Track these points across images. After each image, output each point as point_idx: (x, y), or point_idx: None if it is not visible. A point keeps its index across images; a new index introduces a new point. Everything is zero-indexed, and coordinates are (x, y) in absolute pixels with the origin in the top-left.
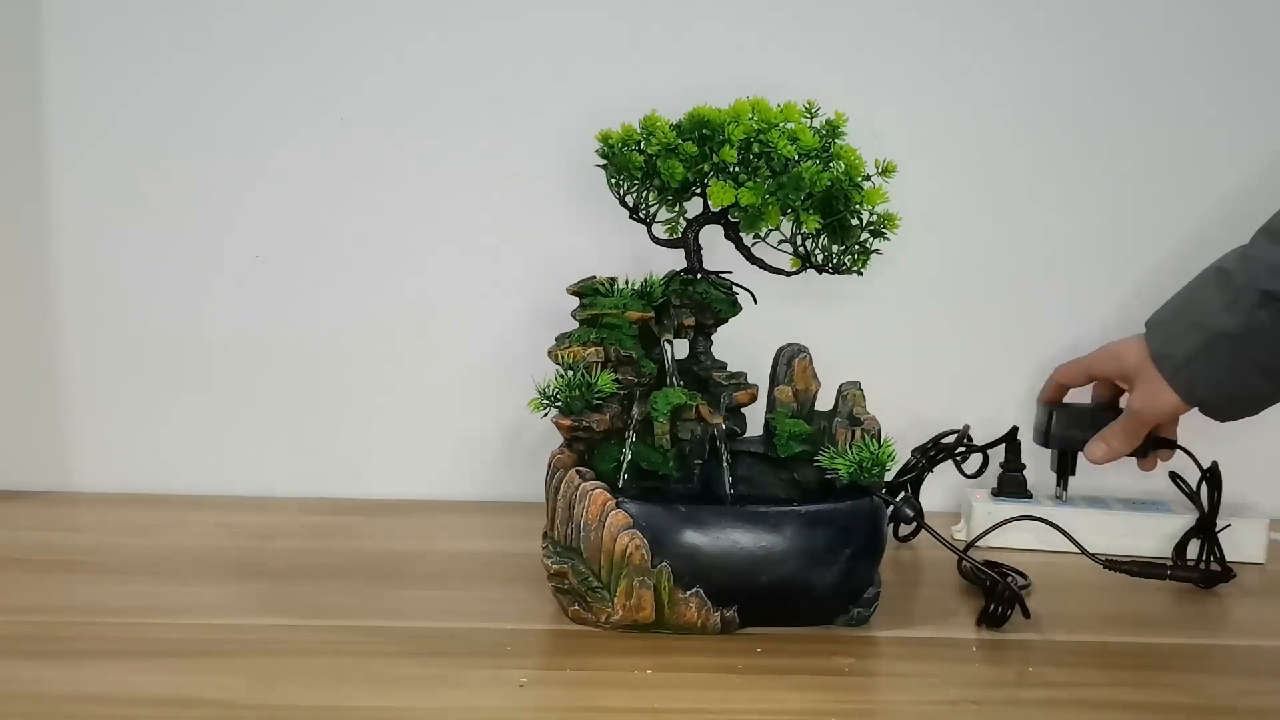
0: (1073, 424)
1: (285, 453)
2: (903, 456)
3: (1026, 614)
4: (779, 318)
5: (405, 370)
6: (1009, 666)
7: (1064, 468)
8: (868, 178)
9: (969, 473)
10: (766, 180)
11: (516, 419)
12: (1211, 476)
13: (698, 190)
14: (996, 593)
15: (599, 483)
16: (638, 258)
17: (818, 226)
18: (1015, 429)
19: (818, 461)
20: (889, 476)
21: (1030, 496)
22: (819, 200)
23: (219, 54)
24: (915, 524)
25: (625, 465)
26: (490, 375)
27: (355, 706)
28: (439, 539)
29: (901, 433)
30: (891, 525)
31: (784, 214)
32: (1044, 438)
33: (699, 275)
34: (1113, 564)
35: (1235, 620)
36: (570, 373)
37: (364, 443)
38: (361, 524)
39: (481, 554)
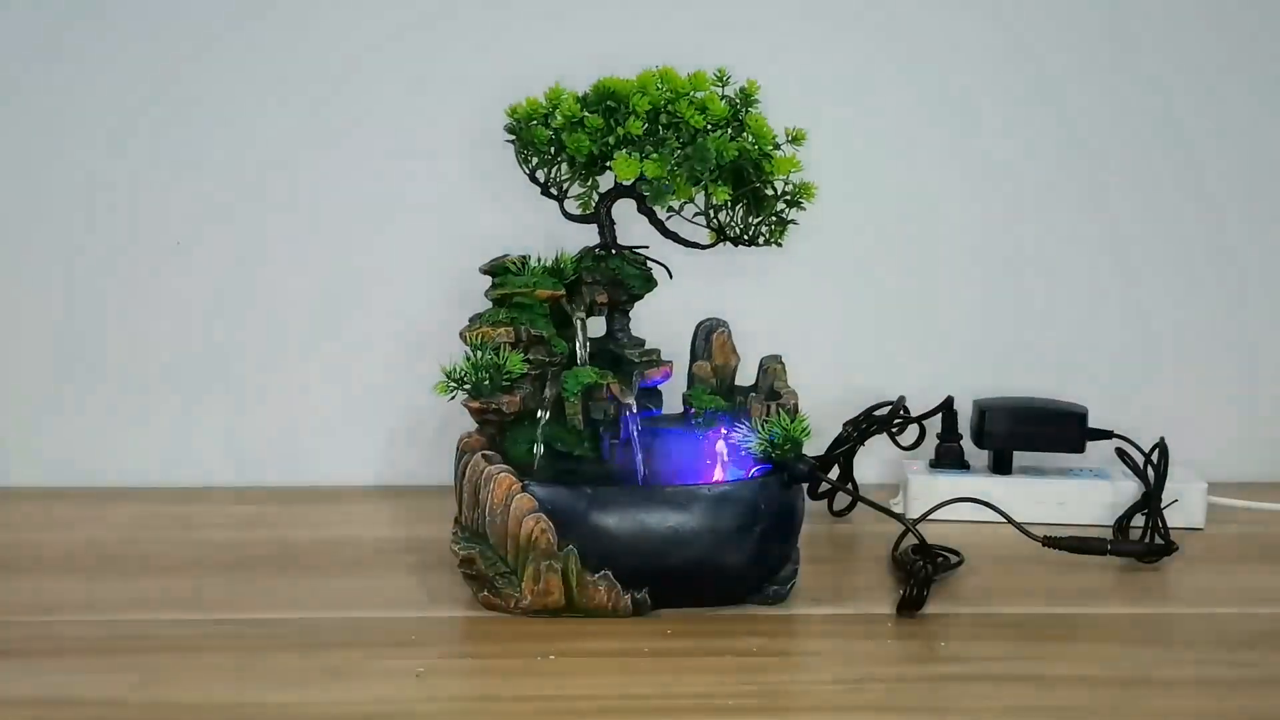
0: (1008, 421)
1: (217, 441)
2: (835, 429)
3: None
4: (705, 292)
5: (337, 354)
6: (921, 642)
7: (1000, 469)
8: (777, 146)
9: (905, 445)
10: (674, 151)
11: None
12: (1159, 452)
13: (607, 164)
14: (914, 573)
15: (504, 466)
16: (572, 235)
17: (727, 198)
18: (950, 399)
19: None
20: (819, 451)
21: (968, 467)
22: (729, 171)
23: (124, 27)
24: (809, 481)
25: (538, 447)
26: (424, 358)
27: (245, 703)
28: (368, 526)
29: (838, 404)
30: (826, 500)
31: (694, 186)
32: (978, 438)
33: (612, 251)
34: (1051, 541)
35: (1166, 589)
36: (478, 354)
37: (298, 429)
38: (291, 513)
39: (408, 540)
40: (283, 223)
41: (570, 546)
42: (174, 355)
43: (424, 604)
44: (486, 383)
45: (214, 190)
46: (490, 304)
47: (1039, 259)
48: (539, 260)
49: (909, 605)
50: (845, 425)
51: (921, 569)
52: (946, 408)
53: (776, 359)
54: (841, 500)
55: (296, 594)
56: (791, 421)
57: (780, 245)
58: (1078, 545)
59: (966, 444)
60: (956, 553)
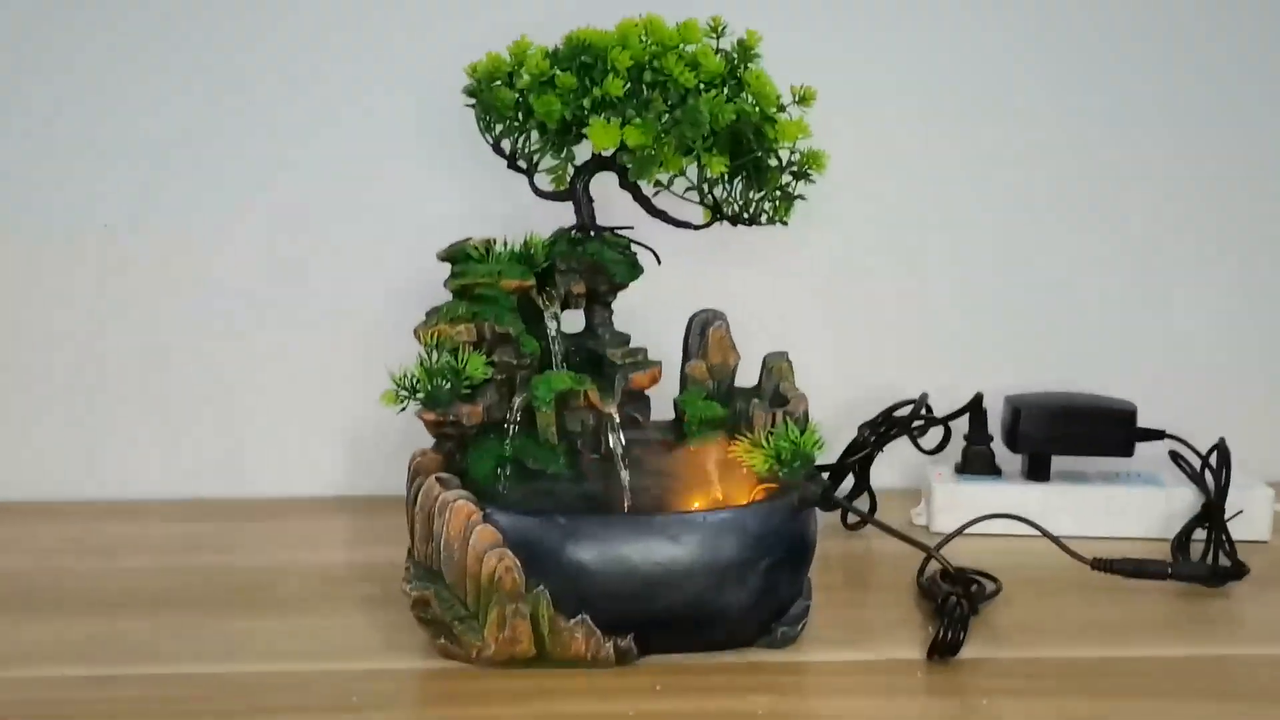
0: (1045, 421)
1: (157, 450)
2: (849, 433)
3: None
4: (699, 280)
5: (287, 353)
6: (960, 700)
7: (1036, 475)
8: (782, 108)
9: (928, 448)
10: (662, 116)
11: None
12: (1219, 454)
13: (583, 131)
14: (948, 612)
15: (462, 492)
16: (544, 215)
17: (724, 169)
18: (979, 396)
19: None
20: (833, 457)
21: (999, 474)
22: (725, 138)
23: (66, 17)
24: (824, 505)
25: (507, 465)
26: (387, 353)
27: None
28: (317, 548)
29: (852, 405)
30: (841, 515)
31: (685, 156)
32: (1011, 440)
33: (591, 233)
34: (1102, 564)
35: (1240, 623)
36: (434, 356)
37: (245, 434)
38: (232, 533)
39: (362, 567)
40: (227, 207)
41: (540, 587)
42: (106, 354)
43: (373, 651)
44: (444, 390)
45: (148, 180)
46: (450, 296)
47: (1079, 237)
48: (505, 245)
49: (943, 650)
50: (861, 428)
51: (956, 607)
52: (975, 406)
53: (782, 356)
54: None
55: (224, 640)
56: (801, 433)
57: (785, 224)
58: (1134, 569)
59: (997, 447)
60: (992, 578)
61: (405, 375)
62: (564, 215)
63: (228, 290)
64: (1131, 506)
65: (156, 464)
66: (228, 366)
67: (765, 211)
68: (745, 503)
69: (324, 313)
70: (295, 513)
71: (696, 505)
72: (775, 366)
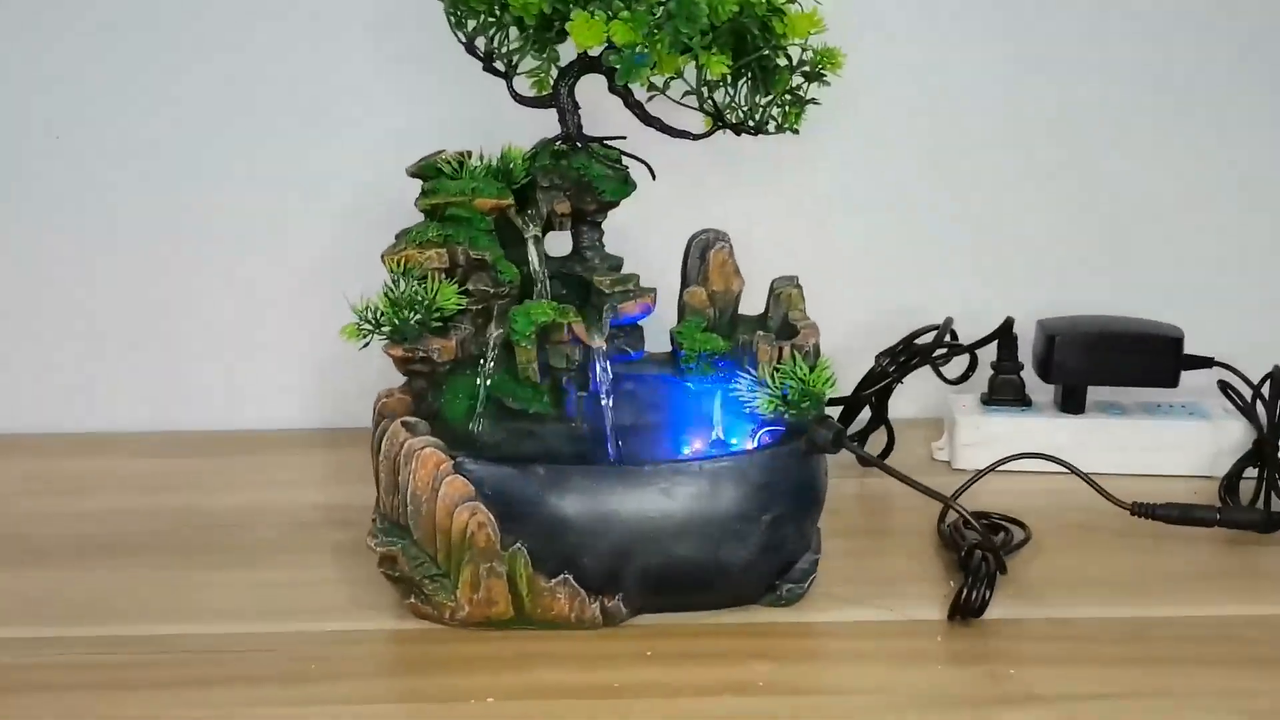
0: (1081, 348)
1: (129, 381)
2: (867, 362)
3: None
4: (699, 196)
5: (257, 278)
6: (985, 669)
7: (1071, 407)
8: (792, 0)
9: (952, 378)
10: (654, 9)
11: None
12: (1273, 384)
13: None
14: (973, 569)
15: (430, 439)
16: (525, 124)
17: (726, 70)
18: (1009, 321)
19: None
20: (848, 390)
21: (1029, 404)
22: (725, 34)
23: None
24: (834, 451)
25: (482, 405)
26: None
27: None
28: (294, 486)
29: (870, 331)
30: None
31: (681, 55)
32: (1043, 369)
33: (577, 144)
34: (1143, 509)
35: None
36: (401, 284)
37: (217, 366)
38: (204, 467)
39: (338, 508)
40: (178, 128)
41: (518, 544)
42: (74, 285)
43: (340, 610)
44: (412, 323)
45: (109, 107)
46: (421, 217)
47: (1119, 147)
48: (481, 159)
49: (966, 612)
50: (879, 357)
51: (982, 564)
52: (1004, 332)
53: (791, 282)
54: (871, 443)
55: (182, 596)
56: (810, 370)
57: (796, 132)
58: (1178, 515)
59: (1028, 375)
60: (1020, 524)
61: (367, 307)
62: (547, 124)
63: (194, 216)
64: (1175, 442)
65: (126, 395)
66: (199, 295)
67: (773, 118)
68: (747, 448)
69: (293, 236)
70: (269, 447)
71: (693, 450)
72: (784, 293)
